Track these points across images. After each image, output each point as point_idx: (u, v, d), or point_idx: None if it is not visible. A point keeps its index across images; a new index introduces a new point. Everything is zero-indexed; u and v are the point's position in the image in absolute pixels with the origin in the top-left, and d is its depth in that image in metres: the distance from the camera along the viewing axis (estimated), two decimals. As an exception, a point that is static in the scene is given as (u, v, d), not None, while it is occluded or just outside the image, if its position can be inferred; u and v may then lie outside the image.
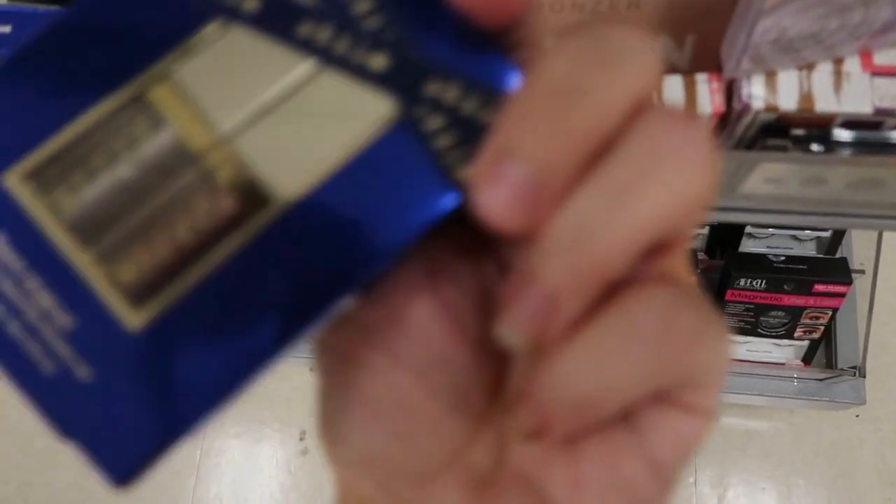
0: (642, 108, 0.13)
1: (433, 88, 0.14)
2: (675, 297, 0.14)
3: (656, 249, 0.14)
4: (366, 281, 0.14)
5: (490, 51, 0.14)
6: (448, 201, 0.14)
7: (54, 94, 0.14)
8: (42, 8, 0.46)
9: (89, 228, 0.14)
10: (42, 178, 0.14)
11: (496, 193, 0.13)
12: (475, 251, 0.17)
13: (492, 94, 0.14)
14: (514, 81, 0.14)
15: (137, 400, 0.14)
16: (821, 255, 0.87)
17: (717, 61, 0.40)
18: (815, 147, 0.40)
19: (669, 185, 0.13)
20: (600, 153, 0.13)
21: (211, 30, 0.14)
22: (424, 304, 0.17)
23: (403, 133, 0.14)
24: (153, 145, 0.14)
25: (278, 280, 0.14)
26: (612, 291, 0.14)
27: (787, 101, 0.39)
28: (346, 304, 0.15)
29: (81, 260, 0.14)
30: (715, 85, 0.38)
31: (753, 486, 1.01)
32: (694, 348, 0.14)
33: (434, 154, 0.14)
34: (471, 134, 0.14)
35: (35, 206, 0.14)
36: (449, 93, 0.14)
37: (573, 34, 0.14)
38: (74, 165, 0.14)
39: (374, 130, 0.14)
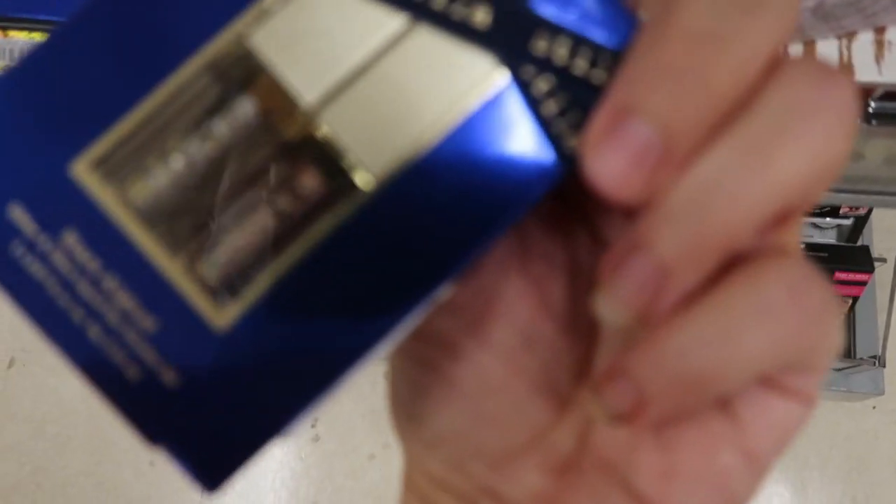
0: (779, 59, 0.12)
1: (541, 45, 0.13)
2: (803, 271, 0.13)
3: (783, 217, 0.13)
4: (471, 264, 0.13)
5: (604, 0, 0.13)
6: (560, 173, 0.13)
7: (118, 69, 0.13)
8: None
9: (167, 221, 0.13)
10: (112, 166, 0.13)
11: (613, 158, 0.11)
12: (567, 221, 0.16)
13: (607, 51, 0.13)
14: (632, 35, 0.13)
15: (227, 402, 0.13)
16: (842, 244, 0.86)
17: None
18: (853, 119, 0.39)
19: (808, 147, 0.12)
20: (735, 110, 0.12)
21: None
22: (512, 283, 0.16)
23: (510, 98, 0.13)
24: (230, 122, 0.13)
25: (375, 267, 0.13)
26: (729, 265, 0.12)
27: (826, 71, 0.38)
28: (449, 288, 0.13)
29: (160, 257, 0.13)
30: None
31: (769, 481, 1.00)
32: (818, 327, 0.13)
33: (544, 121, 0.13)
34: (584, 96, 0.13)
35: (107, 198, 0.13)
36: (559, 50, 0.13)
37: None
38: (146, 148, 0.13)
39: (477, 96, 0.13)
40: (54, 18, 0.45)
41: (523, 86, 0.13)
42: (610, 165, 0.12)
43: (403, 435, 0.17)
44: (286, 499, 1.01)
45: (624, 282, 0.12)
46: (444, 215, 0.13)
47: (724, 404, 0.14)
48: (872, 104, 0.39)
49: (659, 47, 0.12)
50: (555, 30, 0.13)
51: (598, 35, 0.13)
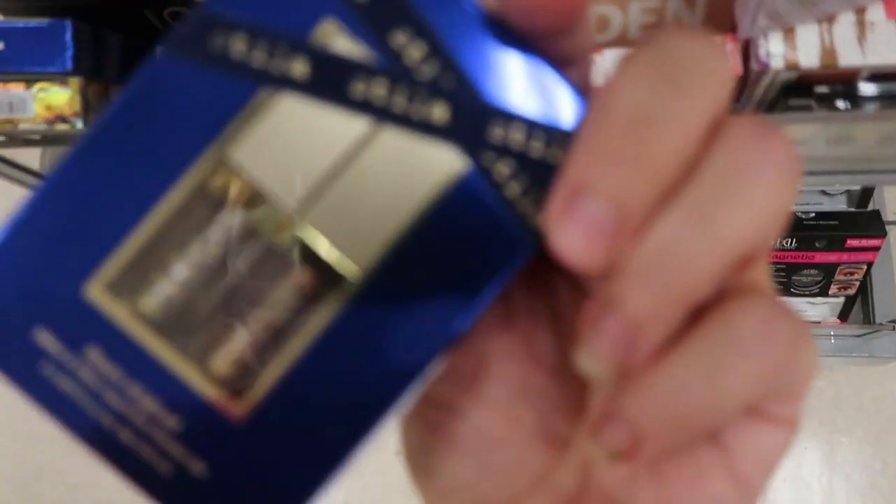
0: (720, 122, 0.13)
1: (498, 133, 0.14)
2: (771, 306, 0.13)
3: (741, 264, 0.13)
4: (456, 340, 0.14)
5: (551, 81, 0.14)
6: (529, 249, 0.14)
7: (116, 198, 0.14)
8: (35, 22, 0.46)
9: (176, 328, 0.14)
10: (121, 285, 0.14)
11: (573, 233, 0.12)
12: (546, 275, 0.17)
13: (560, 131, 0.14)
14: (579, 114, 0.13)
15: (251, 485, 0.14)
16: (852, 209, 0.84)
17: (730, 21, 0.38)
18: (840, 104, 0.38)
19: (751, 203, 0.13)
20: (680, 179, 0.13)
21: (260, 103, 0.14)
22: (501, 341, 0.17)
23: (474, 185, 0.14)
24: (222, 233, 0.14)
25: (368, 350, 0.14)
26: (697, 311, 0.13)
27: (808, 57, 0.37)
28: (439, 363, 0.15)
29: (175, 361, 0.14)
30: (730, 46, 0.36)
31: (796, 447, 0.99)
32: (794, 356, 0.13)
33: (509, 202, 0.14)
34: (543, 176, 0.14)
35: (120, 314, 0.14)
36: (514, 134, 0.14)
37: (637, 52, 0.13)
38: (150, 267, 0.14)
39: (443, 186, 0.14)
40: (29, 69, 0.45)
41: (485, 172, 0.14)
42: (570, 240, 0.12)
43: (418, 484, 0.18)
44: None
45: (599, 338, 0.13)
46: (429, 295, 0.14)
47: (712, 435, 0.15)
48: (860, 87, 0.38)
49: (603, 130, 0.13)
50: (509, 117, 0.14)
51: (550, 118, 0.14)
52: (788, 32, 0.37)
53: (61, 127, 0.47)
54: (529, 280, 0.17)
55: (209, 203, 0.14)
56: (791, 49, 0.37)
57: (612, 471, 0.16)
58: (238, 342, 0.14)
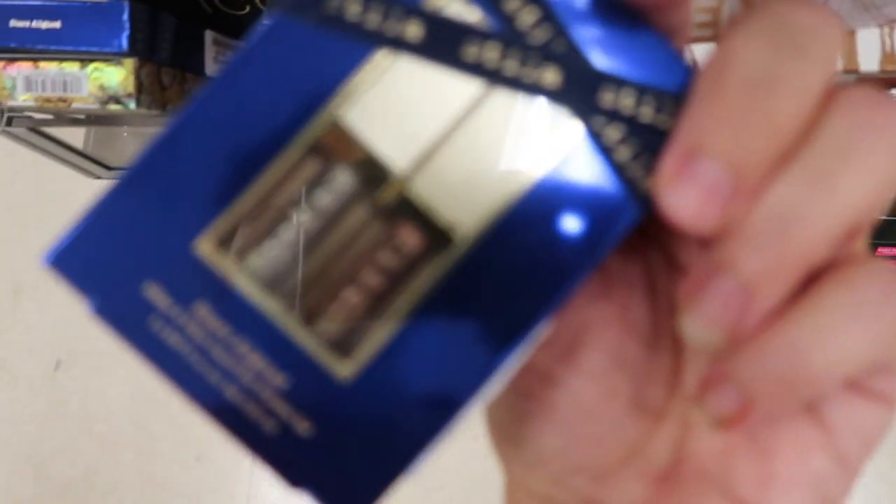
0: (833, 90, 0.13)
1: (608, 98, 0.14)
2: (889, 271, 0.13)
3: (853, 232, 0.13)
4: (564, 303, 0.14)
5: (658, 46, 0.14)
6: (637, 213, 0.14)
7: (230, 154, 0.14)
8: (92, 1, 0.46)
9: (284, 286, 0.14)
10: (231, 243, 0.14)
11: (687, 194, 0.12)
12: (643, 248, 0.17)
13: (669, 97, 0.14)
14: (688, 80, 0.14)
15: (356, 446, 0.14)
16: (883, 217, 0.84)
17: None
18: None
19: (871, 167, 0.12)
20: (796, 143, 0.13)
21: (375, 64, 0.14)
22: (599, 311, 0.17)
23: (584, 149, 0.14)
24: (332, 193, 0.14)
25: (476, 314, 0.14)
26: (808, 279, 0.13)
27: (868, 61, 0.37)
28: (546, 327, 0.15)
29: (283, 319, 0.14)
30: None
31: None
32: None
33: (618, 166, 0.14)
34: (653, 141, 0.14)
35: (230, 271, 0.14)
36: (624, 100, 0.14)
37: (751, 18, 0.13)
38: (259, 225, 0.14)
39: (555, 149, 0.14)
40: (84, 48, 0.45)
41: (596, 136, 0.14)
42: (685, 201, 0.12)
43: (505, 457, 0.18)
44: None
45: (709, 302, 0.13)
46: (537, 261, 0.14)
47: (813, 411, 0.15)
48: (918, 92, 0.38)
49: (720, 92, 0.13)
50: (618, 82, 0.14)
51: (660, 83, 0.14)
52: (848, 35, 0.37)
53: (113, 107, 0.48)
54: (625, 251, 0.17)
55: (320, 163, 0.14)
56: (850, 53, 0.37)
57: (709, 443, 0.16)
58: (345, 302, 0.14)
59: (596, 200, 0.14)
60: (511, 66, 0.14)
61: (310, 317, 0.14)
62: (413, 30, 0.14)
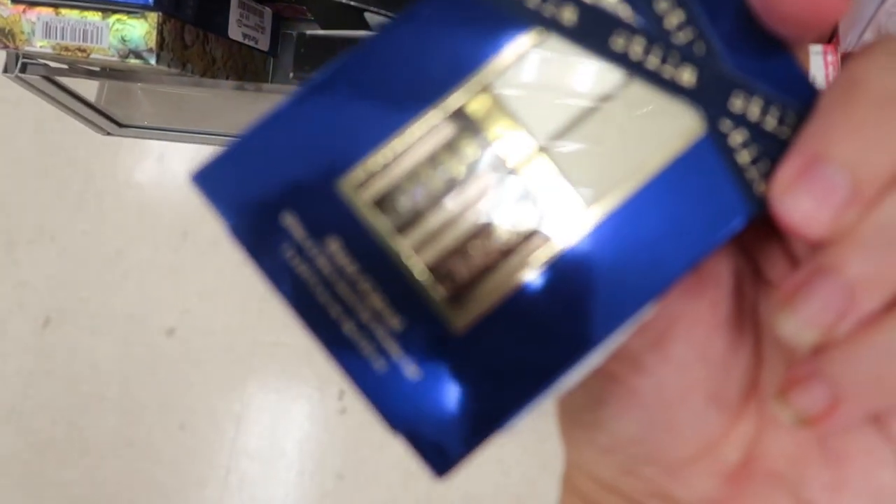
0: None
1: (738, 103, 0.15)
2: None
3: None
4: (666, 293, 0.15)
5: (786, 63, 0.15)
6: (750, 215, 0.15)
7: (380, 105, 0.15)
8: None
9: (415, 234, 0.15)
10: (371, 187, 0.15)
11: (805, 198, 0.13)
12: (733, 252, 0.18)
13: (792, 111, 0.15)
14: (812, 97, 0.15)
15: (460, 397, 0.14)
16: None
17: (828, 31, 0.37)
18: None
19: None
20: None
21: (529, 40, 0.15)
22: (691, 305, 0.17)
23: (709, 147, 0.15)
24: (472, 154, 0.15)
25: (587, 288, 0.15)
26: None
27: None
28: (645, 314, 0.15)
29: (409, 264, 0.15)
30: (830, 58, 0.36)
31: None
32: None
33: (738, 168, 0.15)
34: (773, 149, 0.15)
35: (368, 214, 0.15)
36: (752, 107, 0.15)
37: (882, 42, 0.14)
38: (399, 175, 0.15)
39: (682, 144, 0.15)
40: (126, 0, 0.44)
41: (721, 137, 0.15)
42: (801, 204, 0.13)
43: (575, 440, 0.19)
44: (312, 470, 1.02)
45: (810, 301, 0.13)
46: (653, 247, 0.15)
47: (885, 426, 0.15)
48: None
49: (849, 106, 0.13)
50: (750, 90, 0.15)
51: (786, 97, 0.15)
52: None
53: (133, 62, 0.47)
54: (720, 253, 0.18)
55: (464, 126, 0.15)
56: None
57: (783, 445, 0.16)
58: (470, 257, 0.15)
59: (712, 198, 0.15)
60: (653, 61, 0.15)
61: (435, 266, 0.15)
62: (568, 14, 0.15)
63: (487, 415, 0.14)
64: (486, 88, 0.15)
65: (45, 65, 0.52)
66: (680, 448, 0.17)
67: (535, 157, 0.15)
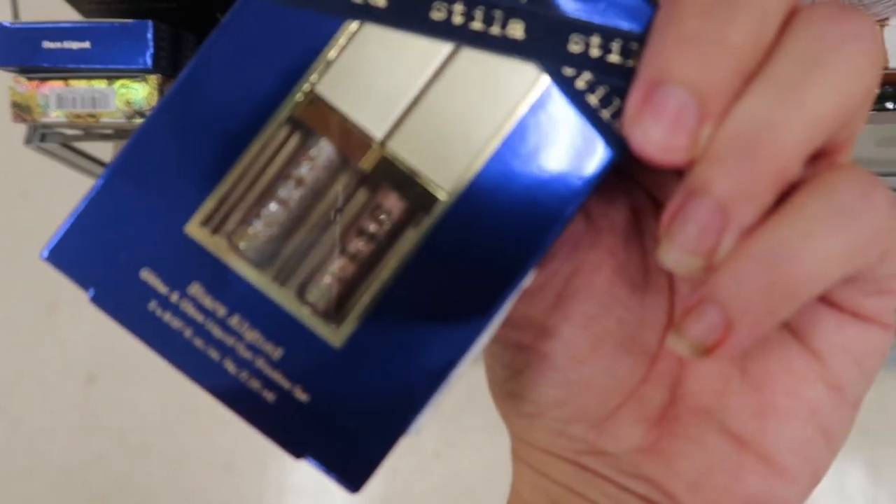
0: (797, 8, 0.13)
1: (576, 46, 0.14)
2: (868, 175, 0.13)
3: (827, 149, 0.13)
4: (547, 251, 0.14)
5: None
6: (612, 155, 0.14)
7: (211, 138, 0.14)
8: (119, 22, 0.49)
9: (273, 260, 0.15)
10: (219, 222, 0.15)
11: (654, 126, 0.12)
12: (624, 190, 0.17)
13: (635, 38, 0.14)
14: (651, 17, 0.14)
15: (355, 410, 0.14)
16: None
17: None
18: (890, 105, 0.38)
19: (840, 75, 0.12)
20: (761, 61, 0.13)
21: (344, 35, 0.14)
22: (587, 258, 0.17)
23: (557, 96, 0.14)
24: (313, 165, 0.15)
25: (463, 270, 0.14)
26: (783, 195, 0.13)
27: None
28: (531, 276, 0.15)
29: (274, 292, 0.15)
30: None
31: (840, 459, 0.98)
32: (891, 228, 0.13)
33: (591, 110, 0.14)
34: (622, 83, 0.14)
35: (221, 251, 0.15)
36: (592, 46, 0.14)
37: None
38: (246, 203, 0.15)
39: (527, 100, 0.14)
40: (112, 66, 0.48)
41: (567, 83, 0.14)
42: (652, 134, 0.12)
43: (505, 412, 0.19)
44: (358, 499, 1.03)
45: (686, 228, 0.12)
46: (517, 212, 0.14)
47: (803, 339, 0.15)
48: None
49: (678, 17, 0.12)
50: (585, 29, 0.14)
51: (625, 24, 0.14)
52: None
53: (139, 121, 0.50)
54: (609, 196, 0.17)
55: (301, 136, 0.14)
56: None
57: (704, 381, 0.16)
58: (334, 271, 0.15)
59: (571, 146, 0.14)
60: (477, 25, 0.14)
61: (300, 288, 0.15)
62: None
63: (387, 421, 0.14)
64: (314, 92, 0.14)
65: (62, 133, 0.56)
66: (601, 402, 0.17)
67: (378, 150, 0.14)
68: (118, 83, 0.49)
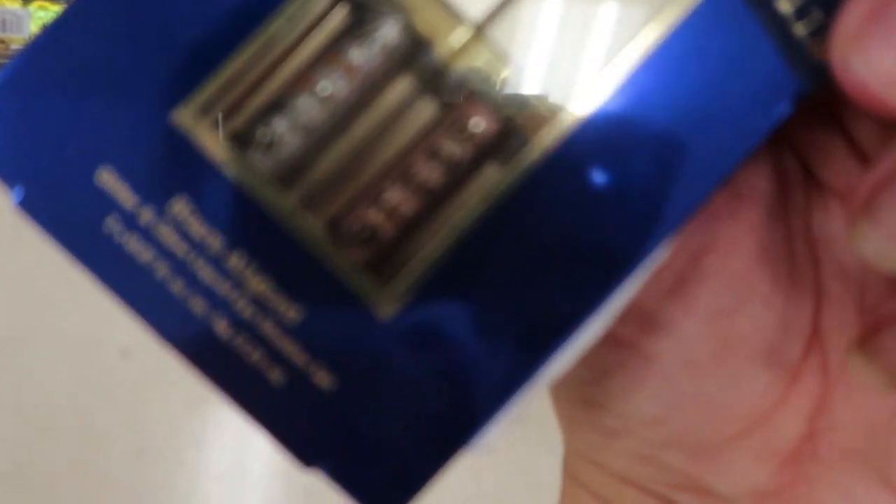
0: None
1: None
2: None
3: None
4: (690, 217, 0.11)
5: None
6: (802, 89, 0.10)
7: None
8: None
9: (302, 179, 0.10)
10: (224, 111, 0.10)
11: (885, 53, 0.09)
12: (774, 153, 0.14)
13: None
14: None
15: (397, 407, 0.10)
16: None
17: None
18: None
19: None
20: None
21: None
22: (721, 233, 0.13)
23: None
24: (370, 49, 0.10)
25: (571, 230, 0.10)
26: None
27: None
28: (662, 254, 0.11)
29: (300, 225, 0.10)
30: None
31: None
32: None
33: (779, 21, 0.10)
34: None
35: (226, 154, 0.10)
36: None
37: None
38: (267, 92, 0.10)
39: (682, 4, 0.10)
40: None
41: None
42: (880, 63, 0.09)
43: (574, 421, 0.15)
44: (278, 488, 1.00)
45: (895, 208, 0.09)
46: (657, 156, 0.10)
47: None
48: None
49: None
50: None
51: None
52: None
53: (58, 51, 0.45)
54: (756, 156, 0.13)
55: (356, 7, 0.10)
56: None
57: (861, 412, 0.13)
58: (386, 205, 0.10)
59: (746, 70, 0.10)
60: None
61: (335, 222, 0.10)
62: None
63: (439, 431, 0.10)
64: None
65: (-36, 62, 0.49)
66: (715, 426, 0.13)
67: (469, 41, 0.10)
68: (35, 4, 0.43)
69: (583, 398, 0.14)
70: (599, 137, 0.10)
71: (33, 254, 0.99)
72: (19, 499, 1.02)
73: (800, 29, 0.10)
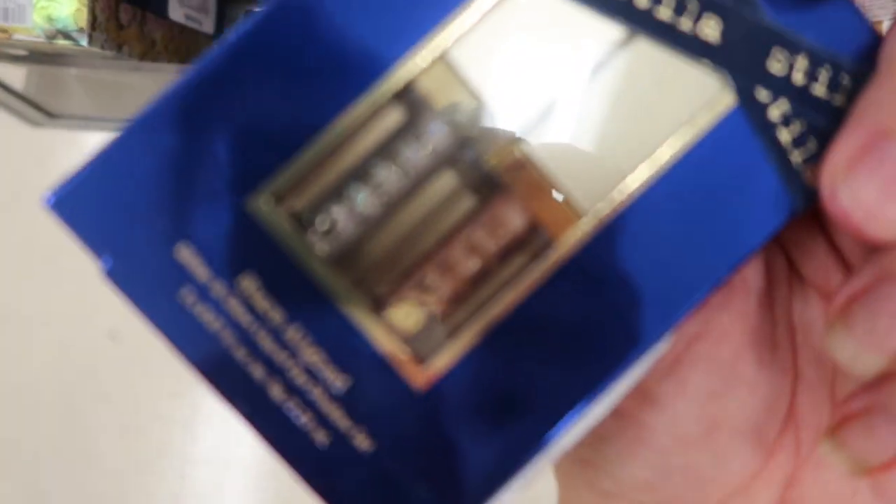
0: None
1: (778, 64, 0.11)
2: None
3: None
4: (690, 313, 0.12)
5: (840, 5, 0.11)
6: (795, 209, 0.12)
7: (296, 94, 0.11)
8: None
9: (358, 264, 0.11)
10: (293, 202, 0.11)
11: (867, 185, 0.10)
12: (768, 255, 0.15)
13: (847, 68, 0.11)
14: (871, 49, 0.11)
15: (430, 470, 0.11)
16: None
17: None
18: None
19: None
20: None
21: None
22: (714, 321, 0.14)
23: (742, 123, 0.11)
24: (422, 149, 0.11)
25: (588, 316, 0.12)
26: None
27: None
28: (664, 345, 0.12)
29: (352, 305, 0.11)
30: None
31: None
32: None
33: (779, 150, 0.11)
34: (822, 122, 0.11)
35: (294, 239, 0.11)
36: (797, 68, 0.11)
37: None
38: (328, 184, 0.11)
39: (705, 121, 0.11)
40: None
41: (757, 109, 0.11)
42: (862, 195, 0.10)
43: (573, 480, 0.16)
44: (265, 473, 1.00)
45: (874, 317, 0.10)
46: (666, 258, 0.12)
47: None
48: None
49: None
50: (792, 45, 0.11)
51: (839, 52, 0.12)
52: (876, 25, 0.36)
53: (62, 43, 0.43)
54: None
55: (412, 110, 0.11)
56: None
57: (826, 486, 0.14)
58: (430, 290, 0.11)
59: (747, 190, 0.12)
60: (665, 12, 0.11)
61: (387, 306, 0.11)
62: None
63: (470, 490, 0.11)
64: (442, 58, 0.11)
65: (-37, 48, 0.48)
66: (700, 495, 0.15)
67: (510, 147, 0.11)
68: (38, -5, 0.42)
69: (581, 459, 0.15)
70: (617, 240, 0.12)
71: (21, 233, 0.97)
72: (2, 476, 1.02)
73: (796, 156, 0.12)
